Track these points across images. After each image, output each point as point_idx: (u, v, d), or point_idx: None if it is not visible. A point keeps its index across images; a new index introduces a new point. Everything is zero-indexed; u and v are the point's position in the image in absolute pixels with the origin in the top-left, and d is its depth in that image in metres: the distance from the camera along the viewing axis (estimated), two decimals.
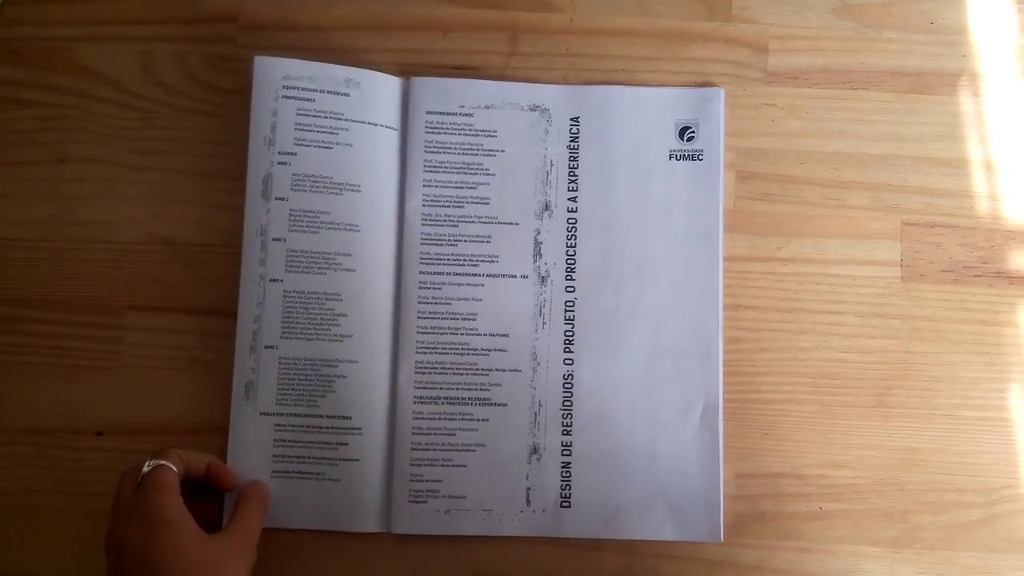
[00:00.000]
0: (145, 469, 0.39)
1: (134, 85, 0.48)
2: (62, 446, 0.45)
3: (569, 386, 0.46)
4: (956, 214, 0.48)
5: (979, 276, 0.47)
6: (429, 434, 0.45)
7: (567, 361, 0.46)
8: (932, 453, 0.46)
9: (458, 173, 0.47)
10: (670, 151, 0.48)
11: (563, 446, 0.46)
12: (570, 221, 0.47)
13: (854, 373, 0.47)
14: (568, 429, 0.46)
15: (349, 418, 0.45)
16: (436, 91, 0.48)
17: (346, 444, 0.44)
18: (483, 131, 0.48)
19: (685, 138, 0.48)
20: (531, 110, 0.48)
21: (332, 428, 0.44)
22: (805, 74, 0.49)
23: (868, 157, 0.48)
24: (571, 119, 0.48)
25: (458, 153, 0.47)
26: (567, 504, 0.45)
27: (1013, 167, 0.48)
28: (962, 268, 0.47)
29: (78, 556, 0.44)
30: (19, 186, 0.47)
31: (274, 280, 0.45)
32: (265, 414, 0.44)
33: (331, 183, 0.45)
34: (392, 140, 0.47)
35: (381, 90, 0.47)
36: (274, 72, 0.46)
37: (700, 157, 0.48)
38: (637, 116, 0.48)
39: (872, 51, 0.49)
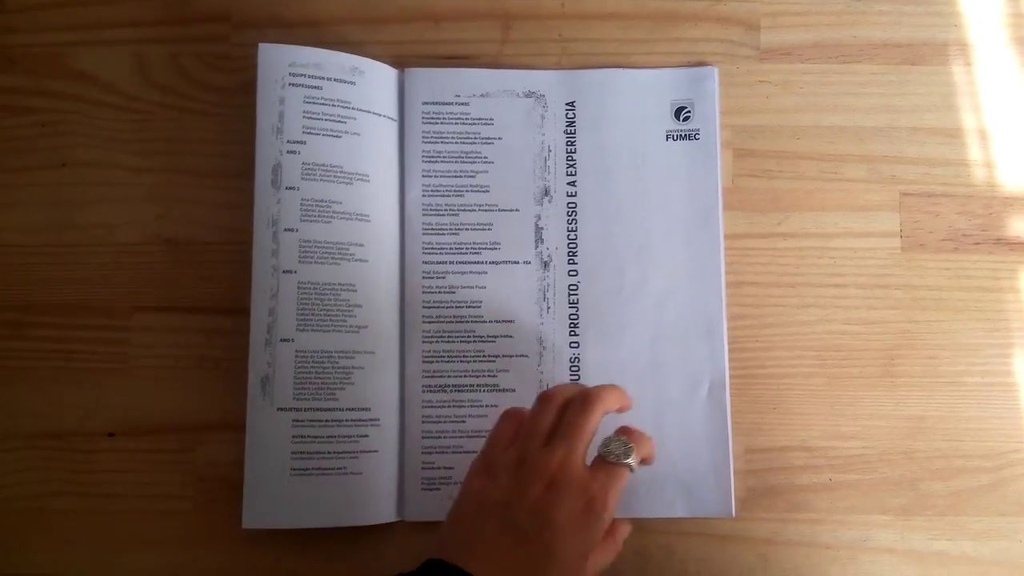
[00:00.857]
0: (612, 455, 0.37)
1: (130, 87, 0.48)
2: (74, 448, 0.46)
3: (576, 369, 0.46)
4: (953, 183, 0.48)
5: (979, 244, 0.48)
6: (439, 422, 0.46)
7: (572, 344, 0.47)
8: (939, 420, 0.46)
9: (457, 162, 0.48)
10: (666, 132, 0.48)
11: None
12: (570, 206, 0.48)
13: (858, 344, 0.47)
14: None
15: (368, 409, 0.45)
16: (431, 81, 0.48)
17: (366, 436, 0.44)
18: (480, 119, 0.48)
19: (681, 118, 0.48)
20: (526, 96, 0.48)
21: (352, 421, 0.44)
22: (797, 50, 0.49)
23: (863, 130, 0.48)
24: (567, 104, 0.48)
25: (456, 142, 0.48)
26: None
27: (1008, 134, 0.48)
28: (961, 236, 0.48)
29: (94, 558, 0.45)
30: (20, 192, 0.47)
31: (288, 271, 0.44)
32: (282, 409, 0.44)
33: (341, 172, 0.45)
34: (392, 130, 0.47)
35: (381, 80, 0.47)
36: (280, 59, 0.45)
37: (696, 136, 0.48)
38: (632, 98, 0.48)
39: (863, 24, 0.49)
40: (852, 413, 0.46)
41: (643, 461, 0.39)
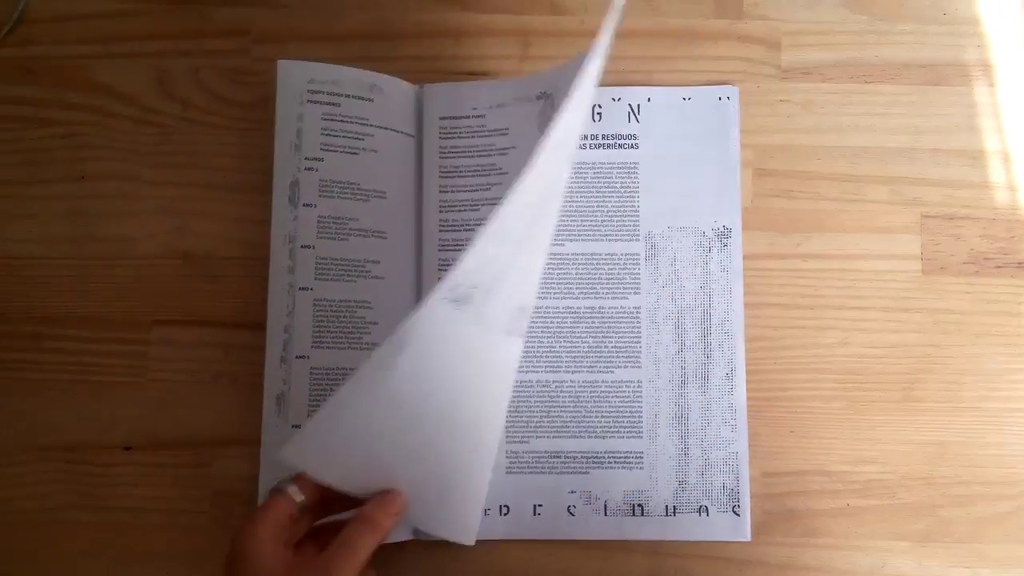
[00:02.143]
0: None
1: (150, 100, 0.48)
2: (90, 462, 0.46)
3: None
4: (975, 205, 0.48)
5: (1000, 267, 0.47)
6: None
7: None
8: (959, 446, 0.46)
9: (472, 176, 0.47)
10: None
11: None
12: None
13: (878, 368, 0.46)
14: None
15: None
16: (448, 96, 0.48)
17: None
18: (495, 130, 0.48)
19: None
20: (538, 99, 0.48)
21: None
22: (819, 69, 0.48)
23: (885, 151, 0.48)
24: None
25: (472, 156, 0.47)
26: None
27: None
28: (983, 259, 0.47)
29: (108, 571, 0.45)
30: (40, 205, 0.47)
31: (304, 288, 0.45)
32: (297, 426, 0.44)
33: (358, 189, 0.45)
34: (410, 147, 0.47)
35: (400, 97, 0.47)
36: (298, 76, 0.45)
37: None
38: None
39: (885, 44, 0.49)
40: (871, 437, 0.46)
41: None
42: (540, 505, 0.45)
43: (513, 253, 0.37)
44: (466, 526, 0.40)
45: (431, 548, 0.45)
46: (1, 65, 0.48)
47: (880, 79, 0.48)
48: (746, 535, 0.45)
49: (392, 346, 0.34)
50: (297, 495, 0.36)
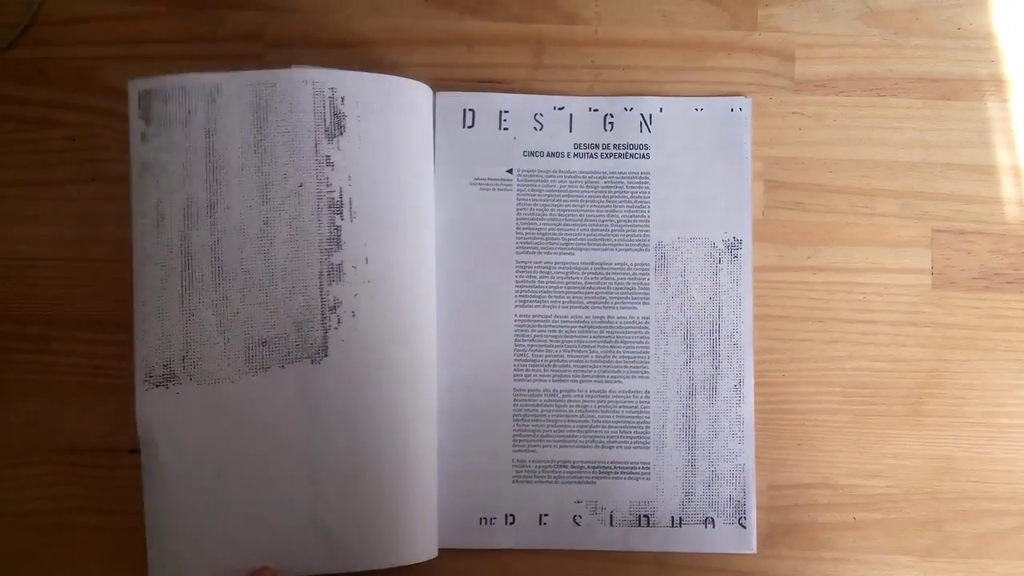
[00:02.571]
0: None
1: None
2: (97, 464, 0.46)
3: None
4: (986, 220, 0.48)
5: (1011, 283, 0.47)
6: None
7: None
8: (966, 461, 0.46)
9: None
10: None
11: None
12: None
13: (886, 382, 0.46)
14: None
15: None
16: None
17: None
18: None
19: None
20: None
21: None
22: (832, 82, 0.48)
23: (897, 165, 0.48)
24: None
25: None
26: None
27: None
28: (993, 275, 0.47)
29: (115, 574, 0.45)
30: (50, 206, 0.47)
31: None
32: None
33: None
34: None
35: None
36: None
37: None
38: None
39: (899, 58, 0.49)
40: (878, 451, 0.46)
41: None
42: (546, 515, 0.45)
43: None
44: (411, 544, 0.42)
45: (437, 558, 0.45)
46: (13, 66, 0.48)
47: (893, 93, 0.48)
48: (752, 547, 0.45)
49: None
50: None
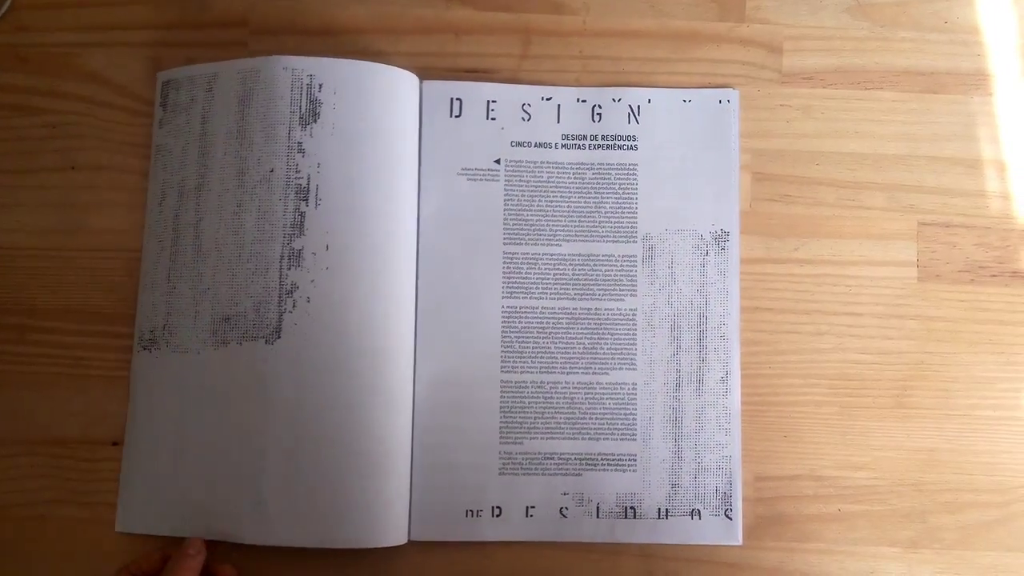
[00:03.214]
0: None
1: (143, 91, 0.47)
2: (77, 456, 0.45)
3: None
4: (972, 214, 0.48)
5: (995, 276, 0.47)
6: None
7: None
8: (949, 453, 0.46)
9: None
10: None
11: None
12: None
13: (872, 374, 0.46)
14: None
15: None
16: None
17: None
18: None
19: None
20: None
21: None
22: (820, 74, 0.48)
23: (883, 157, 0.48)
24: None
25: None
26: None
27: None
28: (978, 268, 0.47)
29: (94, 567, 0.44)
30: (29, 194, 0.47)
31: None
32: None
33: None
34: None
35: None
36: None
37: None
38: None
39: (886, 51, 0.49)
40: (863, 443, 0.46)
41: None
42: (532, 507, 0.45)
43: None
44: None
45: (424, 550, 0.44)
46: None
47: (880, 86, 0.48)
48: (737, 539, 0.45)
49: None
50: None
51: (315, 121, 0.44)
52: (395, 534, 0.43)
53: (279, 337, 0.43)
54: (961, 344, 0.47)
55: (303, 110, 0.44)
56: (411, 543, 0.44)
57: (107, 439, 0.45)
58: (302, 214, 0.43)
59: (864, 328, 0.47)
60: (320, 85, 0.44)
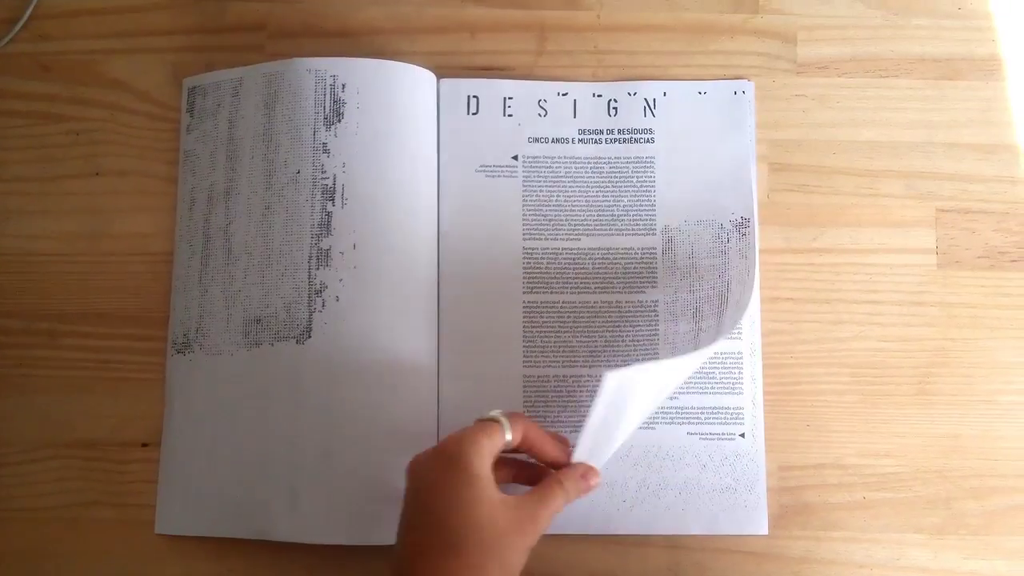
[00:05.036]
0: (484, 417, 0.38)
1: (164, 96, 0.48)
2: (108, 458, 0.46)
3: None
4: (990, 199, 0.48)
5: (1015, 261, 0.47)
6: None
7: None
8: (973, 439, 0.46)
9: None
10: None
11: None
12: None
13: (893, 362, 0.47)
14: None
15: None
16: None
17: None
18: None
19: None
20: None
21: None
22: (835, 64, 0.49)
23: (900, 145, 0.48)
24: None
25: None
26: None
27: None
28: (998, 253, 0.47)
29: (127, 568, 0.45)
30: (55, 201, 0.47)
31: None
32: None
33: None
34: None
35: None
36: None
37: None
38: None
39: (901, 38, 0.49)
40: (886, 431, 0.46)
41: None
42: None
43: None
44: None
45: None
46: (15, 61, 0.48)
47: (895, 73, 0.49)
48: (763, 528, 0.45)
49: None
50: (508, 433, 0.37)
51: (339, 121, 0.44)
52: None
53: (309, 337, 0.43)
54: (982, 330, 0.47)
55: (328, 111, 0.44)
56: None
57: (138, 441, 0.46)
58: (329, 214, 0.44)
59: (885, 316, 0.47)
60: (343, 85, 0.44)
